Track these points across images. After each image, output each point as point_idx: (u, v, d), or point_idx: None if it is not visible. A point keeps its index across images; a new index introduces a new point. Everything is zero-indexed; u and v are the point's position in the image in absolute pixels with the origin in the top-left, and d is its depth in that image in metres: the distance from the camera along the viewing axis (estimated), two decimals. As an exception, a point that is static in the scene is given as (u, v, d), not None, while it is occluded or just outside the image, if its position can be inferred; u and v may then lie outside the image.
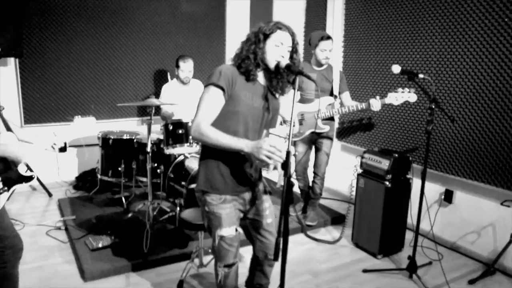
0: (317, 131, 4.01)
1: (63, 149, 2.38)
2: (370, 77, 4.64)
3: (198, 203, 2.36)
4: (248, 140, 2.05)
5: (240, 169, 2.26)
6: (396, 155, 3.62)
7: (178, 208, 3.79)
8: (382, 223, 3.62)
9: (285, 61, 2.15)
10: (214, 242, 2.30)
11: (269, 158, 1.91)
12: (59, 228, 4.01)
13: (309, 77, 2.05)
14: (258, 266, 2.57)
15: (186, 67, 4.58)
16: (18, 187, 2.26)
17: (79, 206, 4.48)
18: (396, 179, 3.64)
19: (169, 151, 3.92)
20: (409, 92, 3.63)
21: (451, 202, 3.92)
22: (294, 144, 4.15)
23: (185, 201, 3.68)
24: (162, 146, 3.98)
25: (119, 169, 4.36)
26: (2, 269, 2.28)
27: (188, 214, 3.18)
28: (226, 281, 2.38)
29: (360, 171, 3.86)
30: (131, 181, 4.46)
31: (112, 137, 4.42)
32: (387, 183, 3.57)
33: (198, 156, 3.96)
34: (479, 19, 3.53)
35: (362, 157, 3.83)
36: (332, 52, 3.95)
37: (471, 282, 3.33)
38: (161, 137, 4.05)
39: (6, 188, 2.17)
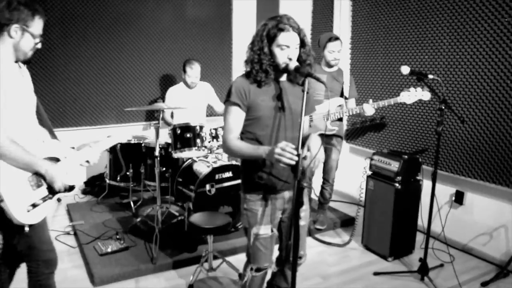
0: (327, 133, 3.98)
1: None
2: (378, 79, 4.61)
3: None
4: (282, 140, 2.04)
5: (278, 168, 2.24)
6: (406, 156, 3.59)
7: (186, 212, 3.78)
8: (392, 225, 3.59)
9: (293, 63, 2.13)
10: (249, 242, 2.34)
11: (280, 161, 1.93)
12: (68, 233, 4.02)
13: (318, 79, 2.03)
14: (279, 266, 2.58)
15: (193, 72, 4.56)
16: (62, 196, 2.27)
17: (87, 211, 4.49)
18: (406, 181, 3.60)
19: (177, 155, 3.91)
20: (422, 90, 3.59)
21: (462, 204, 3.88)
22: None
23: (193, 205, 3.67)
24: (170, 150, 3.97)
25: (128, 173, 4.36)
26: (38, 281, 2.28)
27: (197, 218, 3.17)
28: (251, 286, 2.40)
29: (369, 173, 3.83)
30: (139, 186, 4.46)
31: (120, 142, 4.42)
32: (397, 185, 3.54)
33: (205, 160, 3.97)
34: (488, 19, 3.50)
35: (371, 159, 3.80)
36: (341, 53, 3.93)
37: (484, 284, 3.28)
38: (169, 141, 4.04)
39: (50, 195, 2.16)
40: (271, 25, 2.17)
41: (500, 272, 3.39)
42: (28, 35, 2.07)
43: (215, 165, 3.78)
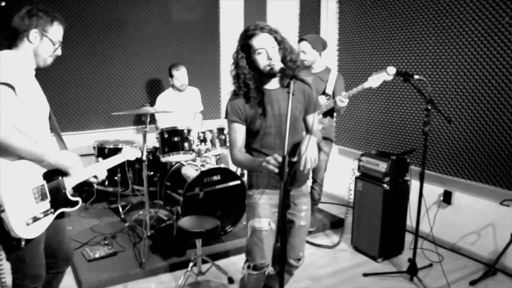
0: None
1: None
2: (365, 79, 4.60)
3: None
4: (283, 146, 2.01)
5: None
6: (394, 157, 3.61)
7: (175, 216, 3.76)
8: (382, 226, 3.60)
9: (278, 65, 2.13)
10: (247, 237, 2.36)
11: (266, 168, 1.96)
12: (55, 240, 3.97)
13: (303, 81, 2.04)
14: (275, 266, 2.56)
15: (180, 74, 4.55)
16: (64, 211, 2.30)
17: (75, 216, 4.44)
18: (394, 182, 3.62)
19: (165, 159, 3.89)
20: (384, 70, 3.47)
21: (450, 203, 3.90)
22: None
23: (182, 209, 3.65)
24: (158, 154, 3.95)
25: (116, 178, 4.33)
26: (52, 274, 2.39)
27: (185, 222, 3.15)
28: (247, 285, 2.41)
29: (357, 174, 3.83)
30: (127, 190, 4.42)
31: (108, 147, 4.38)
32: (385, 185, 3.55)
33: (194, 163, 3.95)
34: (473, 20, 3.53)
35: (360, 160, 3.81)
36: (308, 55, 3.83)
37: (473, 283, 3.30)
38: (157, 145, 4.02)
39: (52, 210, 2.17)
40: (242, 37, 2.21)
41: (488, 270, 3.41)
42: (47, 40, 2.11)
43: (203, 169, 3.76)
